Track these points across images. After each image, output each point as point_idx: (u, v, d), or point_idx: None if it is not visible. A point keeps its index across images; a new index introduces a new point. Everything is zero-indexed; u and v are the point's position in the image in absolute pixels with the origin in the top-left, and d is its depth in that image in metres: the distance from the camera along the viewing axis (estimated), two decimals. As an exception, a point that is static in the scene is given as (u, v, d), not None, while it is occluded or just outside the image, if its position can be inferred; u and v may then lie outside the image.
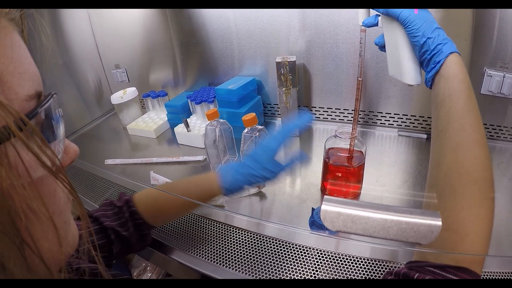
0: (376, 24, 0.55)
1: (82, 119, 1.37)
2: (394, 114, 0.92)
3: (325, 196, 0.29)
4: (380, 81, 0.89)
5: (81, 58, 1.33)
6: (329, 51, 0.91)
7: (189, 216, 0.72)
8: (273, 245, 0.62)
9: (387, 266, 0.55)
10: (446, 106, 0.43)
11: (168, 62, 1.25)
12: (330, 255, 0.58)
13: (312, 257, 0.58)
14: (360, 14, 0.57)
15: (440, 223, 0.26)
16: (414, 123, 0.91)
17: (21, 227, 0.20)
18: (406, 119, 0.92)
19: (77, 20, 1.28)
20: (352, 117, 0.99)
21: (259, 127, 0.73)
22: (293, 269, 0.56)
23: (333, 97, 0.99)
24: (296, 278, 0.55)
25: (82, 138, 1.30)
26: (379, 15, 0.54)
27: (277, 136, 0.57)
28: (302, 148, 0.95)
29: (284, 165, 0.58)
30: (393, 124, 0.94)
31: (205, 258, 0.61)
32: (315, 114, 1.04)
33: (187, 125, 1.03)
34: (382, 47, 0.56)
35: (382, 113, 0.94)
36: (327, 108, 1.02)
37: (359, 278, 0.54)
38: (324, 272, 0.55)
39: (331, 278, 0.54)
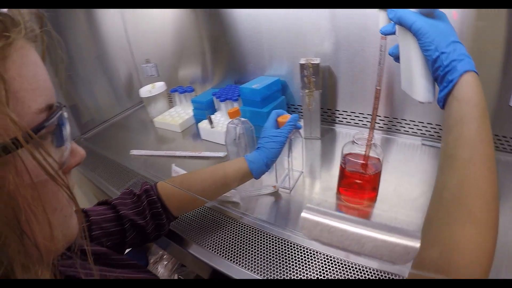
0: (394, 33, 0.51)
1: (112, 110, 1.44)
2: (419, 122, 0.90)
3: (307, 205, 0.29)
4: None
5: (114, 52, 1.39)
6: (355, 55, 0.90)
7: (207, 212, 0.75)
8: (284, 246, 0.63)
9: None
10: (456, 132, 0.40)
11: (197, 59, 1.28)
12: (337, 261, 0.58)
13: (319, 262, 0.58)
14: (380, 20, 0.53)
15: (418, 245, 0.25)
16: (438, 132, 0.89)
17: (21, 221, 0.23)
18: (431, 127, 0.89)
19: (110, 15, 1.33)
20: (376, 122, 0.98)
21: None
22: (301, 272, 0.57)
23: (358, 101, 0.98)
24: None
25: (111, 127, 1.36)
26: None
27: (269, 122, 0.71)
28: (324, 152, 0.94)
29: (282, 130, 0.68)
30: (416, 133, 0.92)
31: (218, 253, 0.63)
32: (338, 117, 1.04)
33: (210, 122, 1.05)
34: (397, 58, 0.53)
35: (406, 120, 0.92)
36: (351, 112, 1.01)
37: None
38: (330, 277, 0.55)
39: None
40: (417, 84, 0.48)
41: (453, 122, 0.40)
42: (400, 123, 0.94)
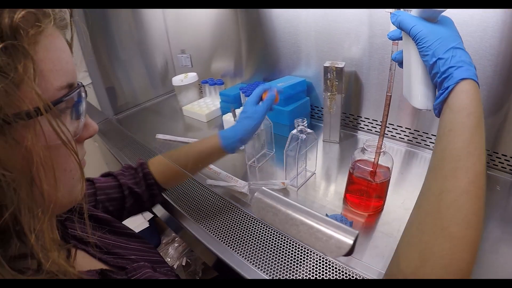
0: (401, 38, 0.50)
1: (145, 95, 1.51)
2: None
3: (262, 188, 0.31)
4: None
5: (153, 40, 1.46)
6: (382, 62, 0.90)
7: (218, 201, 0.78)
8: (284, 241, 0.64)
9: None
10: (444, 142, 0.38)
11: (231, 54, 1.32)
12: (333, 265, 0.59)
13: (315, 259, 0.60)
14: (391, 25, 0.50)
15: (351, 242, 0.26)
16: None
17: (33, 171, 0.28)
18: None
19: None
20: (396, 133, 0.96)
21: (308, 130, 0.76)
22: (301, 270, 0.59)
23: (380, 109, 0.97)
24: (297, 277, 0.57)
25: (142, 111, 1.43)
26: None
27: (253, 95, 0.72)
28: (340, 156, 0.95)
29: (260, 108, 0.69)
30: (438, 147, 0.90)
31: (224, 242, 0.66)
32: (360, 124, 1.03)
33: (234, 115, 1.08)
34: (400, 64, 0.52)
35: (427, 134, 0.90)
36: (373, 120, 1.00)
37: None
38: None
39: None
40: (415, 90, 0.47)
41: (443, 132, 0.39)
42: (421, 136, 0.92)
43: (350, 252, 0.27)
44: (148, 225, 1.32)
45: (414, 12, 0.45)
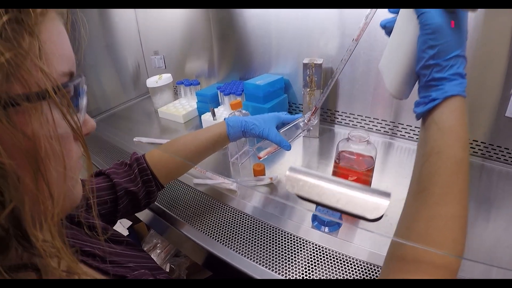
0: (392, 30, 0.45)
1: (118, 98, 1.47)
2: (415, 127, 0.93)
3: (291, 166, 0.32)
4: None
5: (123, 42, 1.42)
6: (357, 58, 0.93)
7: (205, 199, 0.77)
8: (276, 234, 0.65)
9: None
10: (432, 163, 0.37)
11: (204, 54, 1.31)
12: (327, 251, 0.61)
13: (311, 251, 0.61)
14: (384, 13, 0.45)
15: (387, 202, 0.28)
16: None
17: (39, 159, 0.26)
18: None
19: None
20: (373, 125, 1.00)
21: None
22: (292, 260, 0.60)
23: (358, 103, 1.01)
24: (293, 267, 0.58)
25: (116, 115, 1.39)
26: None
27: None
28: (321, 150, 0.97)
29: (275, 135, 0.69)
30: (412, 137, 0.95)
31: (213, 238, 0.66)
32: (338, 118, 1.06)
33: (213, 114, 1.08)
34: (389, 33, 0.46)
35: (403, 124, 0.95)
36: (350, 113, 1.03)
37: (353, 277, 0.56)
38: (319, 268, 0.58)
39: (324, 272, 0.57)
40: (395, 76, 0.43)
41: (430, 151, 0.37)
42: (397, 127, 0.96)
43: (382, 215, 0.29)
44: (128, 233, 1.28)
45: None
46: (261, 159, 0.73)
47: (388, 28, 0.46)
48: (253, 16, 1.09)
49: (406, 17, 0.40)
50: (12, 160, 0.24)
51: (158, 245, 1.26)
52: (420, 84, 0.40)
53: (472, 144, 0.86)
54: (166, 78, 1.32)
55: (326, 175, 0.31)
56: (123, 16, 1.38)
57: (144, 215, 0.79)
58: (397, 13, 0.43)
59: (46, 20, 0.27)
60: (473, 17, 0.72)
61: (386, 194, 0.29)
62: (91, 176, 0.60)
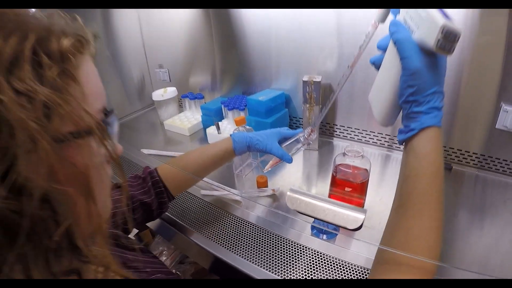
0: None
1: (123, 110, 1.52)
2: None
3: (291, 187, 0.42)
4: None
5: (128, 54, 1.48)
6: (355, 74, 0.98)
7: (212, 209, 0.83)
8: (278, 241, 0.71)
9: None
10: (410, 184, 0.44)
11: (208, 68, 1.37)
12: (326, 257, 0.66)
13: (311, 258, 0.66)
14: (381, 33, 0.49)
15: (362, 216, 0.40)
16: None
17: (90, 184, 0.31)
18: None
19: (127, 18, 1.43)
20: (370, 138, 1.06)
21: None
22: (293, 264, 0.65)
23: (355, 117, 1.06)
24: (294, 271, 0.63)
25: (122, 127, 1.42)
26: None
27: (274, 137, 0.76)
28: (320, 162, 1.02)
29: (277, 149, 0.73)
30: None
31: (220, 244, 0.71)
32: (336, 131, 1.12)
33: (218, 128, 1.14)
34: (378, 68, 0.51)
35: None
36: (348, 127, 1.09)
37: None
38: (318, 272, 0.63)
39: (323, 276, 0.62)
40: (382, 108, 0.50)
41: (409, 173, 0.44)
42: (393, 139, 1.02)
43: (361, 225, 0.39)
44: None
45: (416, 35, 0.41)
46: (265, 172, 0.78)
47: (376, 64, 0.52)
48: (254, 33, 1.15)
49: (392, 57, 0.46)
50: (65, 186, 0.29)
51: (164, 252, 1.30)
52: (402, 115, 0.46)
53: (465, 155, 0.92)
54: (171, 91, 1.37)
55: (318, 195, 0.45)
56: (128, 28, 1.44)
57: (152, 222, 0.84)
58: (385, 50, 0.48)
59: (83, 63, 0.32)
60: (468, 27, 0.77)
61: (363, 211, 0.42)
62: (116, 188, 0.66)
